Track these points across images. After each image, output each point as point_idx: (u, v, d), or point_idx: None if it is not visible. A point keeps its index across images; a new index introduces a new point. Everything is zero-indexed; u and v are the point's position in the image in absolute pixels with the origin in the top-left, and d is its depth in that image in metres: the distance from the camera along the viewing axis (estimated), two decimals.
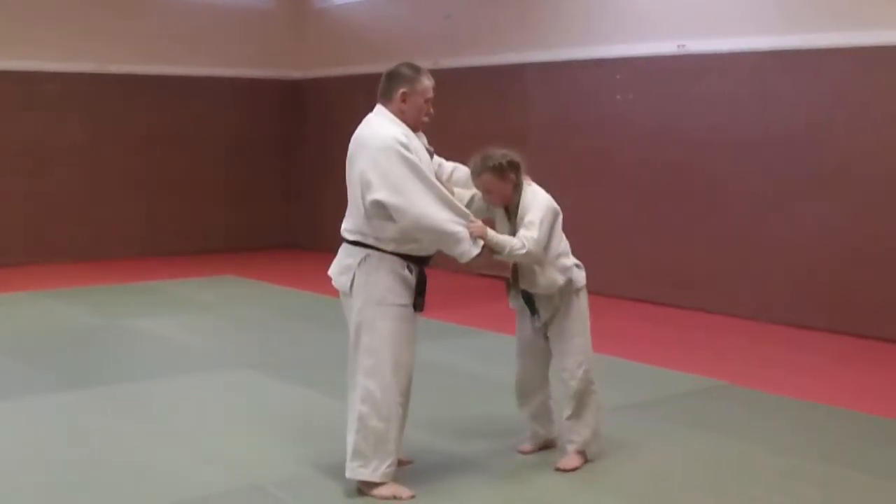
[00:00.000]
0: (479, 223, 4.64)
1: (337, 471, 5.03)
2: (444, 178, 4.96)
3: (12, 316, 9.29)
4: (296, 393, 6.65)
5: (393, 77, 4.74)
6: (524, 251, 4.75)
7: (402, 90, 4.69)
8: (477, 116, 11.18)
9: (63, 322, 9.05)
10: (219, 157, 14.08)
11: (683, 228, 9.78)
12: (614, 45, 10.25)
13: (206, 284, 11.29)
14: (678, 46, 9.66)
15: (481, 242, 4.58)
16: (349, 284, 4.68)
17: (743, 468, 5.20)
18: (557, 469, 5.06)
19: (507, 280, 5.09)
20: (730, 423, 5.97)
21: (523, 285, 5.00)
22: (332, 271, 4.83)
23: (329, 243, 14.20)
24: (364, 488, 4.70)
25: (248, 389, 6.79)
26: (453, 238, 4.52)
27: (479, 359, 7.59)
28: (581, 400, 5.12)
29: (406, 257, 4.65)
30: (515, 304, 5.18)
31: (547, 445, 5.35)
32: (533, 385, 5.29)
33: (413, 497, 4.66)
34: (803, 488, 4.90)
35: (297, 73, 14.55)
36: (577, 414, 5.13)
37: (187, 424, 5.92)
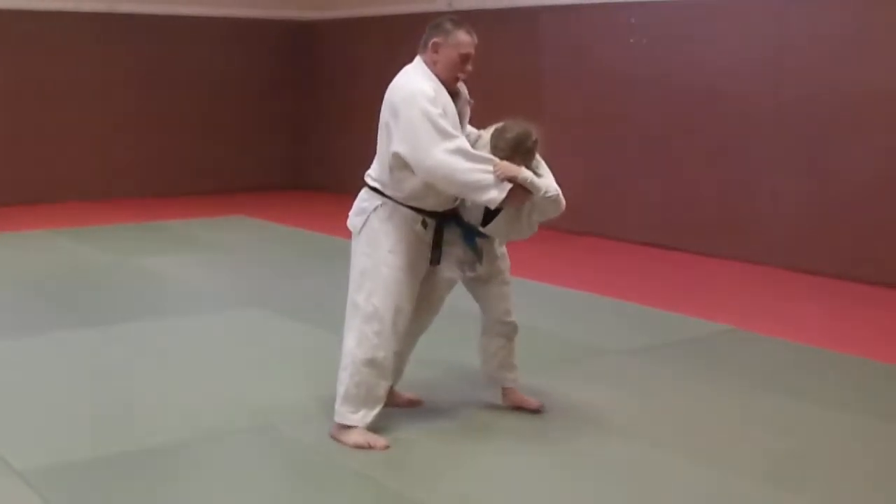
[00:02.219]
0: (506, 164, 4.45)
1: None
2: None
3: (24, 254, 9.34)
4: (307, 332, 6.70)
5: (431, 27, 4.65)
6: (556, 194, 4.57)
7: (434, 40, 4.59)
8: (490, 60, 11.08)
9: (74, 261, 9.10)
10: (231, 98, 14.04)
11: (693, 173, 9.76)
12: None
13: (217, 224, 11.33)
14: None
15: (507, 186, 4.39)
16: (360, 226, 4.70)
17: (747, 412, 5.24)
18: (537, 410, 5.09)
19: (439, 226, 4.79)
20: (734, 367, 6.01)
21: (493, 233, 4.80)
22: (351, 212, 4.83)
23: (341, 185, 14.30)
24: (338, 434, 4.68)
25: (260, 329, 6.84)
26: (475, 186, 4.40)
27: None
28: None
29: (422, 211, 4.64)
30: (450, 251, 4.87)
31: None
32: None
33: (387, 448, 4.62)
34: (812, 432, 4.94)
35: (311, 14, 14.47)
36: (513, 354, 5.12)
37: (198, 363, 5.98)
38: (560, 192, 4.59)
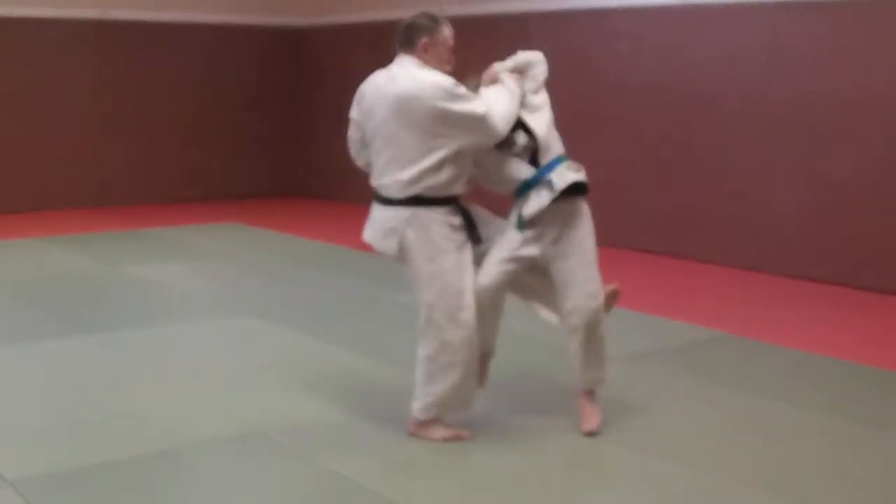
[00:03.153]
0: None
1: (341, 418, 5.09)
2: None
3: (15, 262, 9.32)
4: (299, 339, 6.69)
5: (413, 28, 4.78)
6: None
7: (423, 40, 4.73)
8: (480, 66, 11.11)
9: (66, 268, 9.08)
10: (223, 105, 14.04)
11: (687, 179, 9.77)
12: None
13: (209, 232, 11.31)
14: None
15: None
16: (397, 247, 4.69)
17: (742, 418, 5.24)
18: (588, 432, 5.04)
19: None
20: (729, 374, 6.01)
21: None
22: (371, 236, 4.81)
23: (333, 191, 14.29)
24: (422, 431, 4.81)
25: (252, 337, 6.82)
26: (512, 114, 4.82)
27: None
28: None
29: (450, 201, 4.71)
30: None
31: None
32: None
33: (469, 437, 4.80)
34: (806, 438, 4.94)
35: (301, 20, 14.47)
36: None
37: (190, 371, 5.96)
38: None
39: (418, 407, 4.80)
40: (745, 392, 5.64)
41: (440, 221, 4.67)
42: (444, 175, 4.64)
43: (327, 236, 10.40)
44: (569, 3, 10.68)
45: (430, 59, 4.73)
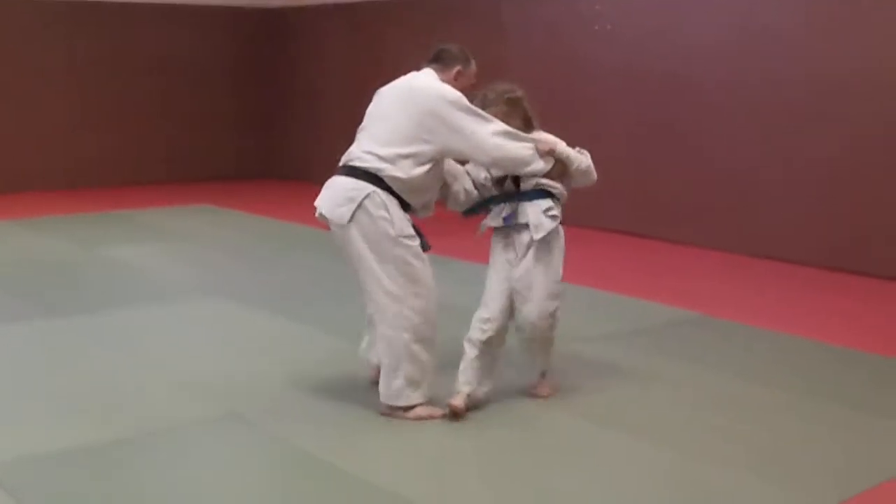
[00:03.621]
0: (547, 137, 5.05)
1: (314, 398, 5.09)
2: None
3: None
4: (273, 321, 6.67)
5: (450, 53, 5.08)
6: (588, 164, 5.14)
7: (458, 68, 5.05)
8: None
9: (39, 251, 9.03)
10: (198, 87, 13.99)
11: (662, 160, 9.78)
12: None
13: (183, 214, 11.27)
14: None
15: (552, 159, 4.99)
16: (349, 216, 4.73)
17: (717, 398, 5.26)
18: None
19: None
20: (705, 354, 6.02)
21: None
22: (324, 203, 4.86)
23: (308, 173, 14.22)
24: (397, 412, 4.86)
25: (226, 318, 6.80)
26: (525, 161, 4.91)
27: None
28: None
29: (405, 206, 4.83)
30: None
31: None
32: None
33: (444, 416, 4.85)
34: (780, 418, 4.96)
35: (278, 1, 14.41)
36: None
37: (164, 353, 5.94)
38: (591, 164, 5.17)
39: (387, 393, 4.86)
40: (720, 373, 5.65)
41: (397, 206, 4.78)
42: (415, 172, 4.78)
43: (301, 218, 10.36)
44: None
45: (457, 85, 4.99)
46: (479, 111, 4.85)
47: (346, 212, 4.74)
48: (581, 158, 5.10)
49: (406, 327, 4.77)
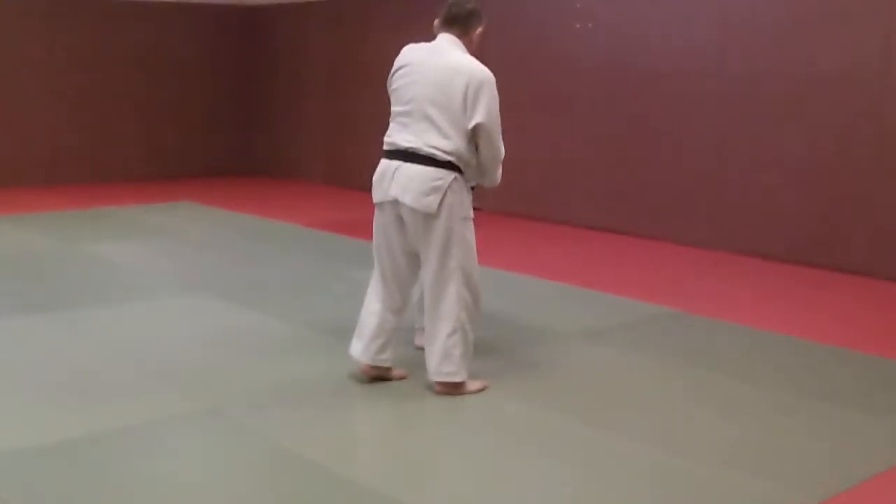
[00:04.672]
0: None
1: (294, 394, 5.09)
2: None
3: None
4: (255, 318, 6.67)
5: (470, 13, 5.11)
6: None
7: (479, 29, 5.13)
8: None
9: (19, 247, 9.00)
10: (179, 83, 13.97)
11: (642, 156, 9.81)
12: None
13: (164, 210, 11.25)
14: None
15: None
16: (437, 204, 4.89)
17: (697, 394, 5.28)
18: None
19: None
20: (684, 351, 6.04)
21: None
22: (409, 194, 4.94)
23: (289, 170, 14.20)
24: (454, 390, 5.07)
25: (207, 314, 6.79)
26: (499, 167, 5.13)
27: None
28: None
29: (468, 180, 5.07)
30: None
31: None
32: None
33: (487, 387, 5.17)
34: (760, 414, 4.98)
35: None
36: None
37: (144, 348, 5.93)
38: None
39: (449, 370, 5.05)
40: (700, 369, 5.67)
41: (467, 189, 5.04)
42: (469, 154, 4.96)
43: (281, 215, 10.37)
44: None
45: (472, 47, 5.11)
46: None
47: (433, 201, 4.89)
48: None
49: (463, 306, 5.01)
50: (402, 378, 5.31)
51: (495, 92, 4.93)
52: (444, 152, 4.88)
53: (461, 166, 4.93)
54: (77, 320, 6.54)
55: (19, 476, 4.14)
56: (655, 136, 9.70)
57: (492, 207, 10.81)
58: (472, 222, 5.05)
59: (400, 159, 4.96)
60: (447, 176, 4.89)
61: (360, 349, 5.21)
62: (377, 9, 12.23)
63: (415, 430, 4.75)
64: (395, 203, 4.97)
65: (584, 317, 6.82)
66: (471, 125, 4.87)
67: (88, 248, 8.90)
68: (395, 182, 4.95)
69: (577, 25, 10.24)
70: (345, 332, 5.89)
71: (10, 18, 12.51)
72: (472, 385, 5.13)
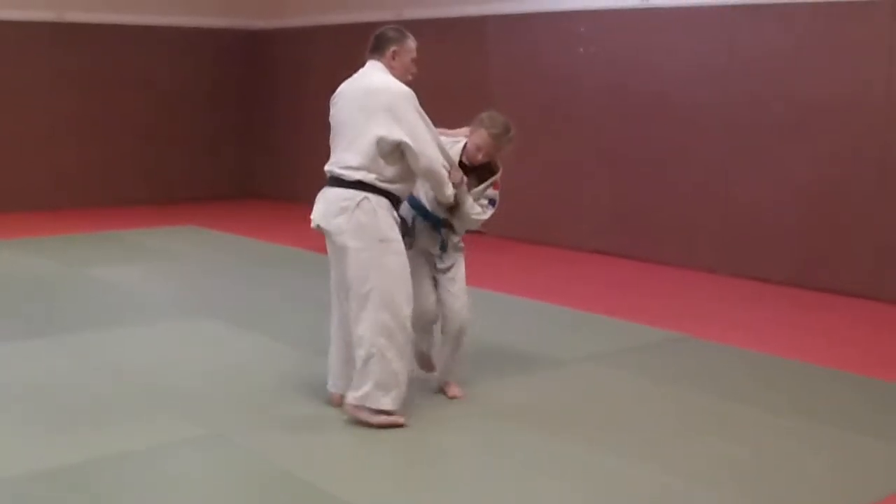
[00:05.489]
0: (461, 173, 5.14)
1: (296, 418, 5.08)
2: None
3: None
4: (256, 341, 6.66)
5: (383, 37, 5.15)
6: (482, 218, 5.33)
7: (392, 48, 5.11)
8: (438, 68, 11.14)
9: (23, 271, 8.99)
10: (180, 108, 13.97)
11: (643, 181, 9.81)
12: None
13: (167, 234, 11.25)
14: (642, 0, 9.66)
15: (452, 190, 5.09)
16: (346, 225, 4.91)
17: (699, 418, 5.26)
18: (453, 397, 5.41)
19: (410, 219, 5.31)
20: (686, 375, 6.02)
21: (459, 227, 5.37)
22: (320, 215, 5.03)
23: (291, 193, 14.21)
24: (359, 414, 4.96)
25: (209, 338, 6.79)
26: (444, 182, 5.03)
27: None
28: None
29: (392, 198, 5.00)
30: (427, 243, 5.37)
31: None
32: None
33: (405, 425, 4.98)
34: (762, 438, 4.96)
35: (260, 23, 14.44)
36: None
37: (146, 372, 5.92)
38: (486, 217, 5.36)
39: (359, 395, 4.95)
40: (704, 393, 5.66)
41: (386, 210, 4.96)
42: (388, 171, 4.94)
43: (283, 238, 10.37)
44: (526, 6, 10.71)
45: (396, 66, 5.12)
46: (422, 112, 4.98)
47: (341, 222, 4.92)
48: (472, 206, 5.26)
49: (380, 332, 4.89)
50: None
51: (412, 105, 4.94)
52: (354, 170, 4.93)
53: (377, 185, 4.93)
54: (78, 344, 6.53)
55: (19, 502, 4.12)
56: (660, 161, 9.69)
57: (495, 231, 10.79)
58: (395, 244, 4.95)
59: (327, 185, 5.07)
60: (356, 196, 4.91)
61: (329, 381, 5.33)
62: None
63: (415, 454, 4.74)
64: (320, 228, 5.07)
65: (588, 341, 6.81)
66: (391, 141, 4.88)
67: (90, 272, 8.90)
68: (315, 208, 5.07)
69: (581, 49, 10.26)
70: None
71: (14, 43, 12.53)
72: (379, 418, 4.94)
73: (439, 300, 5.37)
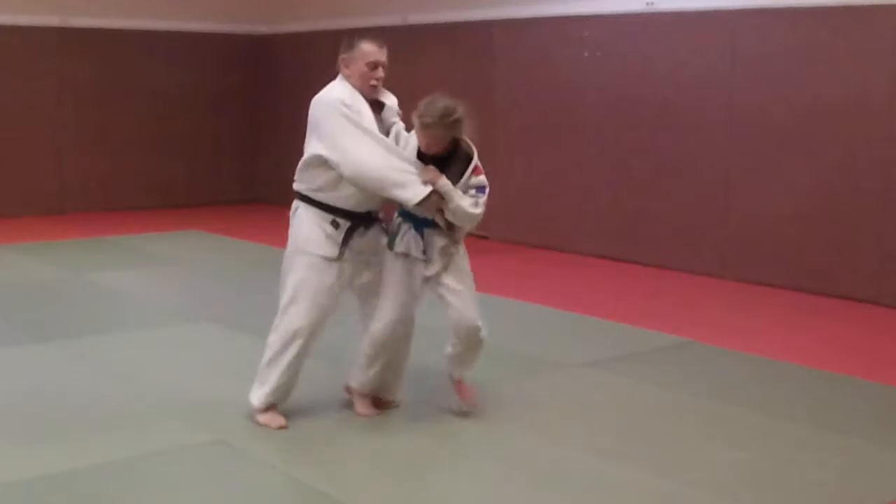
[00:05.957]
0: (434, 169, 4.78)
1: (300, 424, 5.06)
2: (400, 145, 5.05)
3: None
4: (260, 347, 6.62)
5: (343, 46, 5.09)
6: (477, 211, 4.82)
7: (342, 56, 5.05)
8: (443, 73, 11.15)
9: (26, 276, 9.01)
10: (186, 113, 13.97)
11: (648, 185, 9.80)
12: (583, 2, 10.22)
13: (170, 239, 11.25)
14: (647, 3, 9.65)
15: (427, 189, 4.73)
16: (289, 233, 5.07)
17: (705, 424, 5.25)
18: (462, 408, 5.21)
19: (397, 224, 5.04)
20: (692, 380, 6.01)
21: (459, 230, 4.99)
22: None
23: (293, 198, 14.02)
24: (253, 412, 5.08)
25: (213, 343, 6.79)
26: (394, 183, 4.75)
27: None
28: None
29: (335, 211, 4.94)
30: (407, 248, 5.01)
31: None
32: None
33: (282, 428, 4.98)
34: (768, 444, 4.95)
35: (265, 28, 14.44)
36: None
37: (150, 377, 5.92)
38: (480, 210, 4.84)
39: (256, 393, 5.09)
40: (708, 398, 5.65)
41: (313, 221, 4.97)
42: (318, 180, 4.94)
43: (286, 243, 10.37)
44: (532, 11, 10.70)
45: (352, 73, 5.01)
46: (360, 123, 4.80)
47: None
48: (461, 200, 4.78)
49: (273, 329, 5.07)
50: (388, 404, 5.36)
51: (334, 113, 4.82)
52: (295, 181, 5.04)
53: (308, 195, 4.98)
54: (82, 349, 6.53)
55: None
56: (663, 165, 9.68)
57: (498, 236, 10.80)
58: (308, 258, 4.95)
59: None
60: (294, 206, 5.06)
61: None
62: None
63: (422, 461, 4.72)
64: None
65: (593, 346, 6.80)
66: (316, 155, 4.89)
67: (95, 277, 8.90)
68: None
69: (586, 54, 10.25)
70: (352, 361, 5.90)
71: (20, 50, 12.54)
72: (263, 416, 5.06)
73: (446, 312, 5.04)
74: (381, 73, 5.02)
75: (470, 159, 4.90)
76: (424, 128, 4.81)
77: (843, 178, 8.35)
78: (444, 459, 4.77)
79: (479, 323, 5.02)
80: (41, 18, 12.64)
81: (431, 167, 4.78)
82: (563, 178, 10.46)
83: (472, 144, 4.94)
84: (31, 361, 6.24)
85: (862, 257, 8.28)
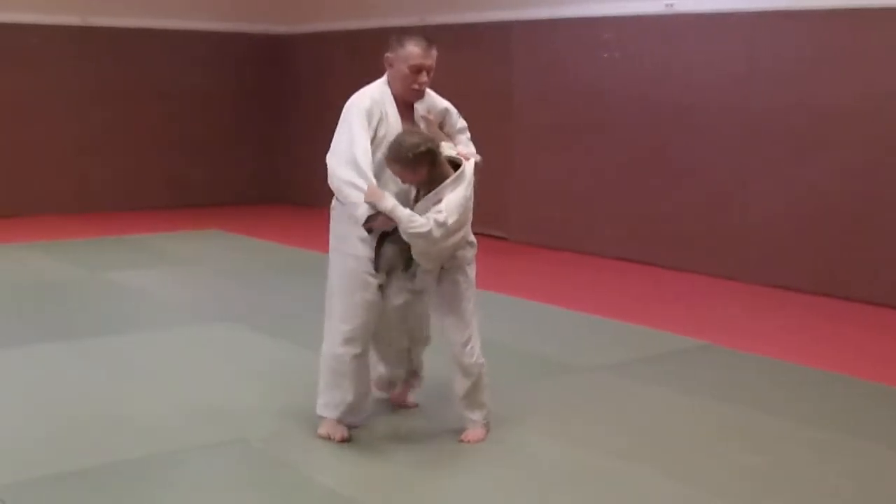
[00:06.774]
0: (375, 189, 4.48)
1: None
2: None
3: None
4: (279, 346, 6.67)
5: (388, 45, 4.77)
6: (424, 230, 4.46)
7: (387, 55, 4.76)
8: (462, 74, 11.14)
9: (46, 274, 9.04)
10: (205, 112, 14.01)
11: (666, 187, 9.79)
12: (602, 4, 10.21)
13: (191, 238, 11.28)
14: (666, 5, 9.64)
15: (367, 210, 4.49)
16: None
17: (721, 427, 5.24)
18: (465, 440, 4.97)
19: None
20: (709, 383, 6.01)
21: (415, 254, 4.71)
22: None
23: (314, 198, 14.24)
24: (318, 422, 4.94)
25: (232, 343, 6.80)
26: (348, 200, 4.58)
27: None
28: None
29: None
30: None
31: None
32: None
33: (344, 441, 4.84)
34: (784, 448, 4.94)
35: (283, 28, 14.47)
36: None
37: (169, 377, 5.94)
38: (432, 229, 4.46)
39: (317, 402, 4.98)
40: (724, 402, 5.64)
41: (348, 218, 4.66)
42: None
43: (307, 243, 10.39)
44: (550, 13, 10.69)
45: (393, 74, 4.74)
46: (354, 125, 4.63)
47: None
48: (414, 220, 4.45)
49: (328, 337, 4.88)
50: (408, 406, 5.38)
51: (346, 115, 4.70)
52: None
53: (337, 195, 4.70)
54: (101, 348, 6.56)
55: (41, 503, 4.14)
56: (680, 167, 9.67)
57: (516, 238, 10.80)
58: (340, 255, 4.77)
59: None
60: (333, 202, 4.85)
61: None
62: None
63: (443, 466, 4.71)
64: None
65: (609, 348, 6.80)
66: None
67: (114, 276, 8.93)
68: None
69: (605, 55, 10.24)
70: (373, 363, 5.91)
71: (40, 49, 12.59)
72: (323, 428, 4.93)
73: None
74: (424, 77, 4.71)
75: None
76: (387, 165, 4.61)
77: (862, 181, 8.33)
78: (467, 464, 4.74)
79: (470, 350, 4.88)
80: (61, 18, 12.70)
81: (374, 188, 4.48)
82: (581, 180, 10.45)
83: (450, 171, 4.62)
84: (50, 360, 6.26)
85: (881, 261, 8.25)
